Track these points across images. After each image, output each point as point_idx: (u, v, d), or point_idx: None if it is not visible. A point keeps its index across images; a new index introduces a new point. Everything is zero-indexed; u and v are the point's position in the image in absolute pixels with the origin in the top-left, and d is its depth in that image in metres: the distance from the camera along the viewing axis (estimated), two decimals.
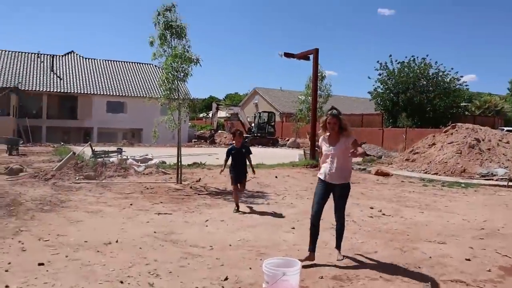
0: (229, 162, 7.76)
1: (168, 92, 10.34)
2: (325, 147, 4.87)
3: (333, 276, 4.36)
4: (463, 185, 11.89)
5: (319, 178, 4.92)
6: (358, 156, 4.75)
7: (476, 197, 10.16)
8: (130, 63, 42.03)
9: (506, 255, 5.28)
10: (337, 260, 4.79)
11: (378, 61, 39.58)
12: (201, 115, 67.89)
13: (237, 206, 7.66)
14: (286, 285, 3.50)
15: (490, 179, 12.73)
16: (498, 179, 12.60)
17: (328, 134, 4.85)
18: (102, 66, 39.77)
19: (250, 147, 8.01)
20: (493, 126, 26.64)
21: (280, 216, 7.30)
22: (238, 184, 7.77)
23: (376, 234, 6.23)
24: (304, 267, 4.31)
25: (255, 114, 36.57)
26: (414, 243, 5.76)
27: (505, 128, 31.04)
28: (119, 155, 14.78)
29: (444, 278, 4.39)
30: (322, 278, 4.31)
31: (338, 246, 4.95)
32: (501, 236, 6.34)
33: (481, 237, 6.23)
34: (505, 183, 11.93)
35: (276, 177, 12.01)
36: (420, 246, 5.61)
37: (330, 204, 4.88)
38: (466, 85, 33.71)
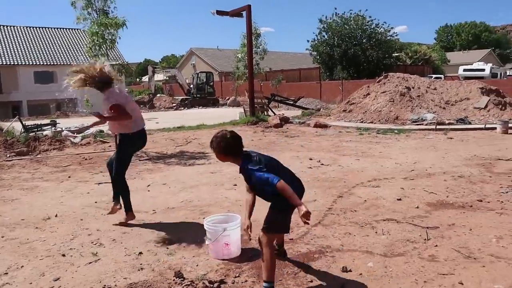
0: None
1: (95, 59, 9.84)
2: None
3: None
4: (396, 131, 12.57)
5: None
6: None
7: (407, 141, 10.80)
8: (55, 29, 39.26)
9: (432, 192, 5.74)
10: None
11: (323, 15, 40.02)
12: (137, 79, 65.63)
13: None
14: (227, 239, 3.60)
15: (420, 124, 13.55)
16: (427, 124, 13.43)
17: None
18: (24, 34, 36.87)
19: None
20: (423, 74, 28.05)
21: (221, 174, 7.38)
22: None
23: (315, 183, 6.50)
24: None
25: (193, 75, 35.89)
26: (350, 189, 6.08)
27: (433, 76, 32.78)
28: (53, 128, 14.08)
29: (378, 218, 4.71)
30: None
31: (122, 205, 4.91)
32: (428, 175, 6.85)
33: (411, 178, 6.69)
34: (433, 127, 12.75)
35: None
36: (356, 191, 5.94)
37: None
38: (397, 36, 35.03)
